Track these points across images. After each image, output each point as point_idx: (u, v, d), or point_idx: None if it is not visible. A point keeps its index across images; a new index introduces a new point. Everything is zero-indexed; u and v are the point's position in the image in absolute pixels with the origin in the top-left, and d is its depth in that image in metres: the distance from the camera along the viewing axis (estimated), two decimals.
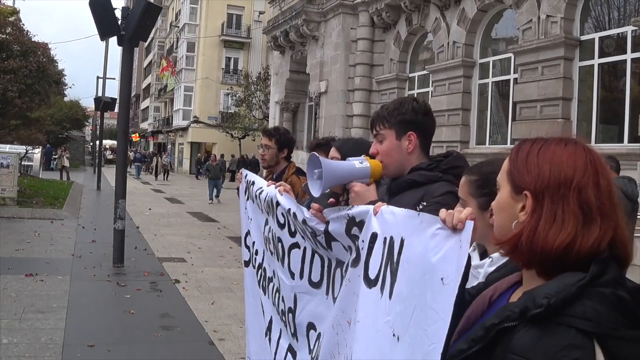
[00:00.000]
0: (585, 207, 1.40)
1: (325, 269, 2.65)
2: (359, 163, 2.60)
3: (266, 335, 3.41)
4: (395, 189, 2.82)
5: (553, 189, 1.42)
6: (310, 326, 2.72)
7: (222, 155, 42.54)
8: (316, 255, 2.73)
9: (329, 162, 2.52)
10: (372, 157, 2.79)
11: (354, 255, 2.19)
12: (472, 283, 2.01)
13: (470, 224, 1.59)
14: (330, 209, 2.43)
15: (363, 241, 2.08)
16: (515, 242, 1.45)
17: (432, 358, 1.54)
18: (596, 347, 1.27)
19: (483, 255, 2.19)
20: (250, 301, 3.83)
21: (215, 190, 27.42)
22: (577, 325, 1.28)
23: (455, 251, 1.59)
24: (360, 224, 2.17)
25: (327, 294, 2.62)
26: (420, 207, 2.56)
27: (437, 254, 1.64)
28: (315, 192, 2.46)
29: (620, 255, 1.42)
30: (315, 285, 2.71)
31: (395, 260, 1.82)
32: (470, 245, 1.57)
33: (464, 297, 1.76)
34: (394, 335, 1.75)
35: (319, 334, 2.63)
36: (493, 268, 2.03)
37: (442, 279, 1.58)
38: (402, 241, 1.82)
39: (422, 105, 2.88)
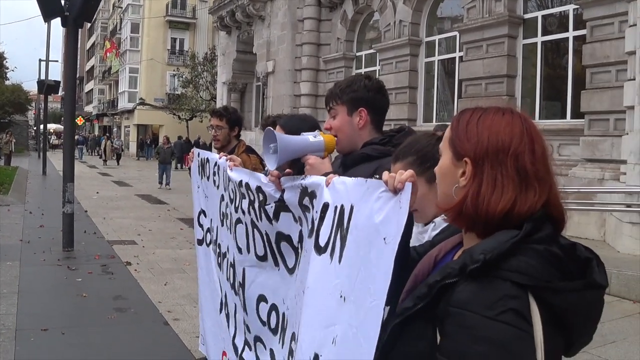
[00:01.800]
0: (522, 173, 1.48)
1: (266, 243, 2.71)
2: (312, 137, 2.66)
3: (221, 312, 3.46)
4: (349, 162, 2.91)
5: (492, 155, 1.50)
6: (261, 298, 2.78)
7: (179, 138, 41.05)
8: (255, 230, 2.79)
9: (284, 137, 2.57)
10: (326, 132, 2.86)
11: (309, 226, 2.25)
12: None
13: (409, 185, 1.66)
14: (287, 177, 2.48)
15: (316, 212, 2.14)
16: (459, 208, 1.52)
17: (374, 313, 1.62)
18: (530, 299, 1.37)
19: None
20: (204, 279, 3.87)
21: (165, 176, 25.27)
22: (512, 278, 1.36)
23: (395, 211, 1.66)
24: (312, 195, 2.23)
25: (276, 265, 2.68)
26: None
27: (379, 215, 1.71)
28: (271, 165, 2.52)
29: (555, 217, 1.51)
30: (261, 258, 2.78)
31: (345, 226, 1.89)
32: (411, 206, 1.65)
33: (409, 256, 1.86)
34: (341, 296, 1.82)
35: (273, 306, 2.69)
36: (437, 232, 2.12)
37: (384, 238, 1.66)
38: (351, 208, 1.88)
39: (374, 83, 2.97)
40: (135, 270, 9.51)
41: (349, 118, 2.91)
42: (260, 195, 2.68)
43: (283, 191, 2.50)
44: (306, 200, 2.30)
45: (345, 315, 1.78)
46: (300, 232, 2.41)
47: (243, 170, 3.00)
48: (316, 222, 2.12)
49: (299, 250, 2.43)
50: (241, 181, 2.90)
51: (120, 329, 6.73)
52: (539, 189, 1.48)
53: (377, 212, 1.73)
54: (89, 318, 7.03)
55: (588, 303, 1.42)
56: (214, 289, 3.63)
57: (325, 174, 2.19)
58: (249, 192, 2.80)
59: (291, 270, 2.53)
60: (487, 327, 1.33)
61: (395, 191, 1.69)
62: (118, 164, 42.57)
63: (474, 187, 1.50)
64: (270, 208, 2.61)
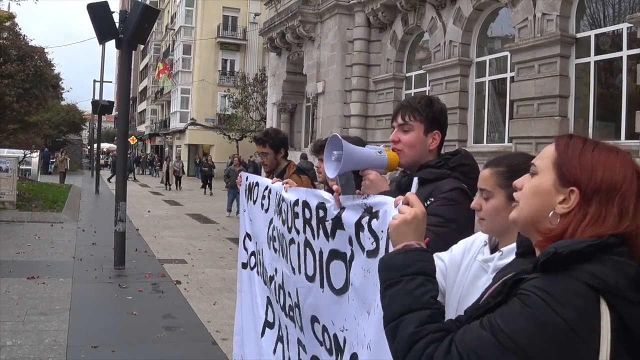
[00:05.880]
0: (623, 212, 1.49)
1: (317, 261, 2.68)
2: (377, 152, 2.61)
3: (263, 335, 3.46)
4: (404, 187, 2.87)
5: (604, 192, 1.51)
6: (314, 319, 2.76)
7: (250, 157, 36.97)
8: (307, 249, 2.77)
9: (350, 146, 2.44)
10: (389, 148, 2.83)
11: (372, 246, 2.22)
12: (481, 276, 2.06)
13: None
14: (346, 196, 2.43)
15: (382, 231, 2.12)
16: (560, 236, 1.52)
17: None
18: (602, 304, 1.35)
19: (494, 250, 2.20)
20: (247, 303, 3.87)
21: (236, 202, 19.20)
22: (585, 279, 1.37)
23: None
24: (375, 215, 2.20)
25: (321, 286, 2.65)
26: (429, 202, 2.62)
27: None
28: (331, 173, 2.42)
29: (636, 253, 1.49)
30: (310, 278, 2.75)
31: None
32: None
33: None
34: None
35: (324, 327, 2.67)
36: (502, 262, 2.06)
37: None
38: None
39: (445, 108, 3.00)
40: (185, 289, 9.59)
41: (423, 137, 2.91)
42: (321, 212, 2.65)
43: (342, 209, 2.47)
44: (365, 220, 2.27)
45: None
46: (352, 252, 2.38)
47: (300, 189, 2.98)
48: (382, 242, 2.12)
49: (349, 271, 2.40)
50: (297, 200, 2.87)
51: (169, 347, 6.78)
52: (632, 223, 1.49)
53: None
54: (138, 336, 7.10)
55: None
56: (256, 313, 3.64)
57: (383, 193, 2.17)
58: (306, 209, 2.77)
59: (339, 292, 2.49)
60: (546, 314, 1.34)
61: None
62: (178, 187, 37.80)
63: (576, 220, 1.52)
64: (329, 224, 2.57)
